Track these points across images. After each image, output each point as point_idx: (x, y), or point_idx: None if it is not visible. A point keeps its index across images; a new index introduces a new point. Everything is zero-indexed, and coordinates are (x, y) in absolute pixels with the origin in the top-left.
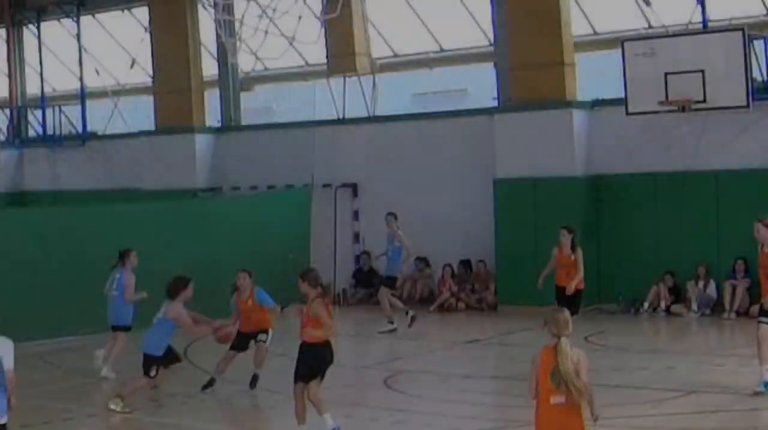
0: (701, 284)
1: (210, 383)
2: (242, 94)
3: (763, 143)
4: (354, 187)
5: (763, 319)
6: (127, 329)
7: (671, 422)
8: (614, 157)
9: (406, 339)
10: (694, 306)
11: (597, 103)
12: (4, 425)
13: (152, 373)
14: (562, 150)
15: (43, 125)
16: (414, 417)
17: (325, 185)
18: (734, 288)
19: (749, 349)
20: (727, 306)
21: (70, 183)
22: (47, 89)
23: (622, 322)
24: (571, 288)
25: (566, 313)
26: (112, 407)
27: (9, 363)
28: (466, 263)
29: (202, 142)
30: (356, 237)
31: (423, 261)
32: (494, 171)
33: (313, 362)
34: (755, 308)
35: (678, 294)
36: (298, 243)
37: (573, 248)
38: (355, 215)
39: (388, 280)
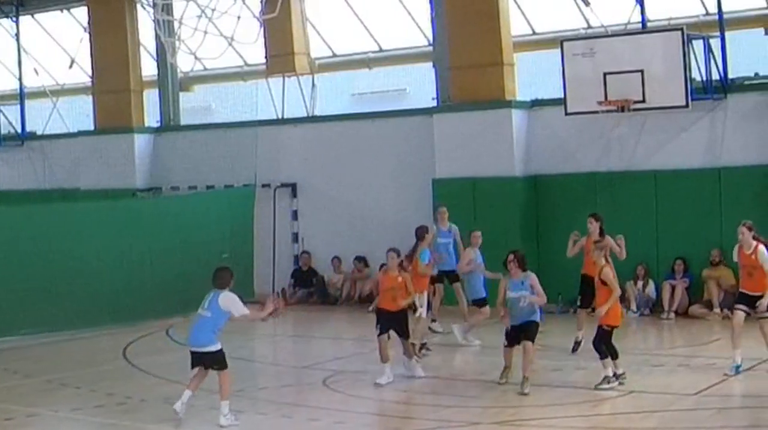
0: (640, 284)
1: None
2: (181, 94)
3: (702, 143)
4: (293, 187)
5: (740, 306)
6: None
7: (610, 422)
8: (553, 157)
9: (345, 340)
10: (633, 306)
11: (536, 103)
12: (217, 351)
13: None
14: (501, 150)
15: None
16: (353, 417)
17: (264, 185)
18: (673, 288)
19: (688, 349)
20: (666, 306)
21: (9, 183)
22: None
23: (561, 322)
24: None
25: None
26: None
27: (237, 311)
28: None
29: (141, 142)
30: (295, 237)
31: (362, 261)
32: (433, 171)
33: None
34: (695, 308)
35: None
36: (241, 242)
37: (601, 235)
38: (294, 215)
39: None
